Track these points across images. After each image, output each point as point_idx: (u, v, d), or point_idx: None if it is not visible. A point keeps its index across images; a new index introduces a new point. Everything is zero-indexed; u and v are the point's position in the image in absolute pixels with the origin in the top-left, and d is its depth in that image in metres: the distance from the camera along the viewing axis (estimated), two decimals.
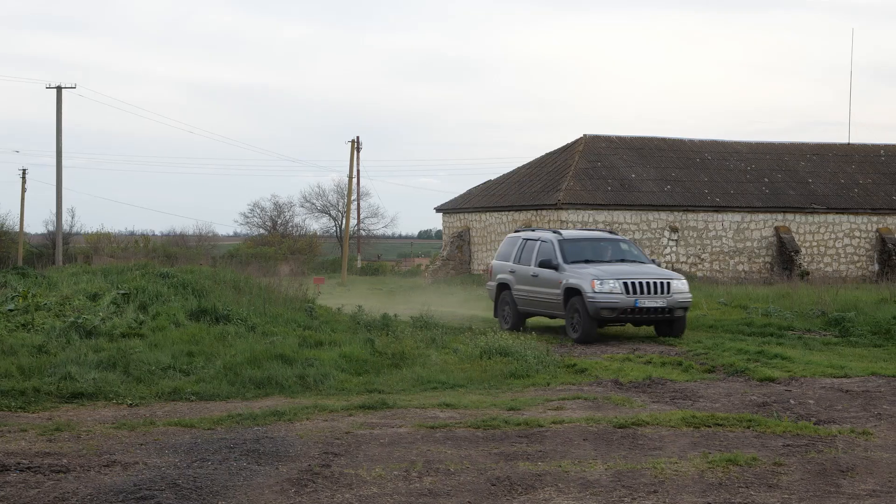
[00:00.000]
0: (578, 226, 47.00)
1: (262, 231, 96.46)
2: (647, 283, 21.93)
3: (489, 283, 26.25)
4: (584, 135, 51.52)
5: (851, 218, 50.11)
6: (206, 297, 21.20)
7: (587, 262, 23.25)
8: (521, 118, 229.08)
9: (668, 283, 22.09)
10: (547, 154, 52.70)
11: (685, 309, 22.39)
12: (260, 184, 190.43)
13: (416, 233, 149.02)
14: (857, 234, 50.18)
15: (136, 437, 11.86)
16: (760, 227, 49.18)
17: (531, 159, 53.66)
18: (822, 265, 49.28)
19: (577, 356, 20.07)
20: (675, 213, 48.22)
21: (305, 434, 11.90)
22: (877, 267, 49.64)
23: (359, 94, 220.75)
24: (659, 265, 23.91)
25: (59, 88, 61.30)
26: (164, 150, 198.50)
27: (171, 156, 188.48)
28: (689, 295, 22.55)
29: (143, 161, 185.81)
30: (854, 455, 10.86)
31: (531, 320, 25.46)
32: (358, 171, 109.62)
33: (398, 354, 17.37)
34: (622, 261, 23.52)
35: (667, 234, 48.10)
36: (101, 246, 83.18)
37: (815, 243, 49.76)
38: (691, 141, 52.81)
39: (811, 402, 14.21)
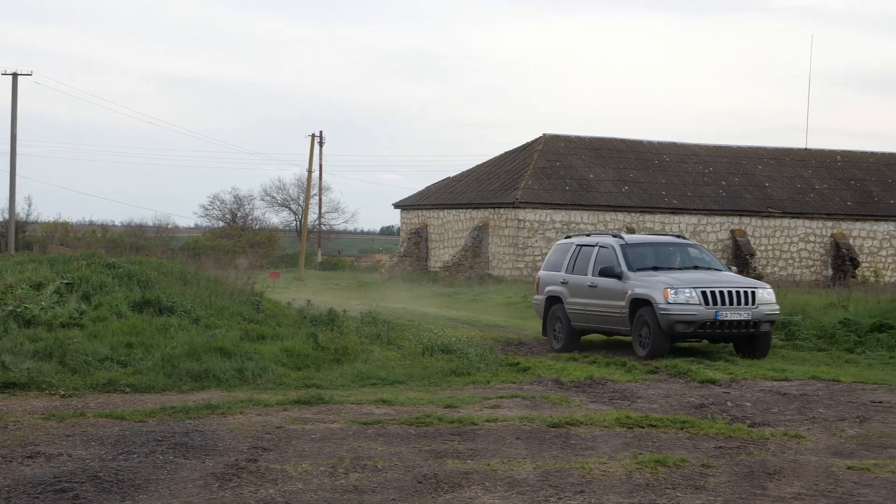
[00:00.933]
0: (537, 225, 47.07)
1: (221, 224, 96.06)
2: (730, 293, 19.24)
3: (536, 297, 22.99)
4: (544, 134, 51.56)
5: (807, 222, 50.43)
6: (151, 288, 20.98)
7: (655, 269, 20.41)
8: (489, 116, 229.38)
9: (753, 293, 19.36)
10: (506, 153, 52.72)
11: (772, 323, 19.71)
12: (221, 176, 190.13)
13: (378, 229, 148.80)
14: (811, 238, 50.50)
15: (64, 429, 11.71)
16: (717, 229, 49.39)
17: (492, 157, 53.66)
18: (776, 269, 49.54)
19: (523, 355, 20.04)
20: (632, 215, 48.34)
21: (236, 428, 11.78)
22: (831, 272, 49.96)
23: (326, 90, 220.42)
24: (738, 272, 21.68)
25: (14, 75, 60.74)
26: (125, 140, 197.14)
27: (132, 146, 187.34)
28: (777, 307, 19.84)
29: (103, 151, 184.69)
30: (783, 458, 10.86)
31: (588, 337, 22.26)
32: (321, 165, 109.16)
33: (341, 350, 17.28)
34: (695, 268, 20.67)
35: (623, 235, 48.16)
36: (57, 235, 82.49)
37: (770, 247, 50.03)
38: (650, 142, 52.97)
39: (748, 404, 14.23)
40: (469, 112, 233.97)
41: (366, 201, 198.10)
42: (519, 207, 46.82)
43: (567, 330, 21.34)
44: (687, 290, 19.03)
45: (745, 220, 49.79)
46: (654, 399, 14.67)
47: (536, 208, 47.17)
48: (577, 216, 47.61)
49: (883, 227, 51.39)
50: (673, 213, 48.74)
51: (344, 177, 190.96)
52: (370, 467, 10.20)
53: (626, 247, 20.86)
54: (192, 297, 21.49)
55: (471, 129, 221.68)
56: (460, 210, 50.61)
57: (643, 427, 12.26)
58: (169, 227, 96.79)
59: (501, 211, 47.94)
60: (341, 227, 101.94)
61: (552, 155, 50.05)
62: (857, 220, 50.70)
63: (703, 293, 19.05)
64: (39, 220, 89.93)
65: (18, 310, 17.88)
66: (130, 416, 12.39)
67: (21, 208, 72.80)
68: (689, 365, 17.89)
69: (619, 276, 20.25)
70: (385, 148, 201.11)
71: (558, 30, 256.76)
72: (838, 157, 54.81)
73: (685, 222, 48.90)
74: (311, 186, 67.62)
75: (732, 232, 49.30)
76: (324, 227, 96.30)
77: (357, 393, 14.41)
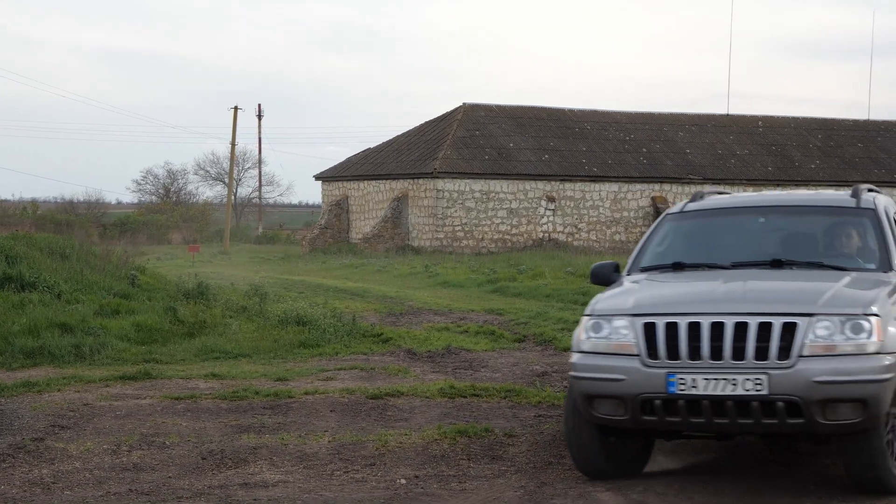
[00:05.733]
0: (456, 195, 46.70)
1: (154, 198, 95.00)
2: (720, 326, 8.06)
3: None
4: (464, 103, 51.19)
5: (728, 188, 50.30)
6: (17, 263, 20.43)
7: (703, 267, 9.46)
8: (428, 87, 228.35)
9: (790, 327, 7.95)
10: (426, 122, 52.30)
11: (855, 403, 7.95)
12: (154, 152, 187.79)
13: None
14: None
15: None
16: (637, 196, 49.30)
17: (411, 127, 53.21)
18: None
19: (401, 325, 19.70)
20: (553, 183, 48.13)
21: (42, 406, 11.36)
22: None
23: (265, 64, 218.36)
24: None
25: None
26: (56, 116, 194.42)
27: (63, 122, 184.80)
28: (867, 372, 7.96)
29: (32, 128, 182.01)
30: None
31: None
32: (259, 139, 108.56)
33: (198, 324, 16.86)
34: (785, 265, 9.26)
35: (544, 203, 48.00)
36: None
37: None
38: (571, 111, 52.72)
39: None
40: (409, 84, 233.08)
41: (308, 174, 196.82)
42: (438, 177, 46.46)
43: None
44: (618, 319, 8.36)
45: (666, 186, 49.70)
46: (499, 368, 14.38)
47: (455, 178, 46.83)
48: (496, 185, 47.33)
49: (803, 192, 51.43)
50: (593, 181, 48.57)
51: (283, 151, 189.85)
52: (157, 444, 9.84)
53: (667, 221, 10.22)
54: (66, 272, 21.00)
55: (413, 101, 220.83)
56: (380, 181, 50.18)
57: (466, 397, 11.96)
58: (100, 202, 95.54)
59: (421, 181, 47.56)
60: (274, 201, 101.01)
61: (472, 124, 49.69)
62: (778, 185, 50.72)
63: (649, 326, 8.19)
64: None
65: None
66: None
67: None
68: (556, 333, 17.61)
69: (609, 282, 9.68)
70: (324, 121, 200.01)
71: (500, 2, 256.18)
72: (760, 123, 54.83)
73: (606, 190, 48.75)
74: (234, 159, 66.78)
75: (653, 199, 49.21)
76: (265, 201, 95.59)
77: (193, 367, 14.02)
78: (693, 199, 10.37)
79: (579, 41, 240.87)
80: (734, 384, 7.93)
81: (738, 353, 7.96)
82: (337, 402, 11.61)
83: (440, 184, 46.55)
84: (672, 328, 8.14)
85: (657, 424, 8.25)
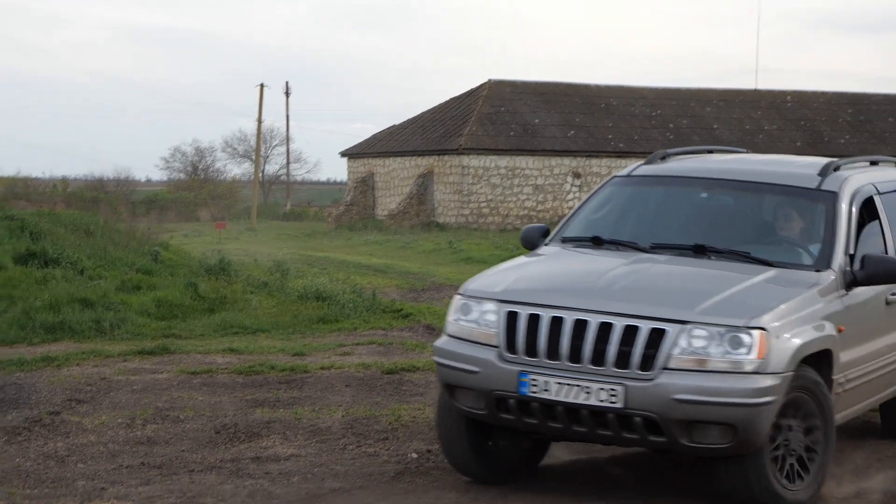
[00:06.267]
0: (482, 171, 46.62)
1: (182, 176, 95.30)
2: (583, 324, 7.21)
3: None
4: (489, 80, 51.09)
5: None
6: (41, 240, 20.56)
7: (621, 246, 8.33)
8: (454, 64, 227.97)
9: (658, 334, 7.05)
10: (451, 99, 52.22)
11: (726, 430, 7.03)
12: (182, 130, 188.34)
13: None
14: None
15: None
16: None
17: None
18: None
19: (422, 301, 19.70)
20: (578, 159, 48.02)
21: (59, 380, 11.43)
22: None
23: (293, 41, 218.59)
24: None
25: None
26: (83, 94, 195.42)
27: (91, 100, 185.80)
28: (738, 394, 6.96)
29: (61, 106, 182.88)
30: None
31: None
32: (287, 116, 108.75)
33: (219, 299, 16.91)
34: (707, 253, 8.06)
35: (569, 179, 47.90)
36: (17, 190, 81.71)
37: None
38: (597, 86, 52.51)
39: None
40: (439, 60, 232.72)
41: (335, 152, 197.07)
42: (463, 154, 46.43)
43: None
44: (487, 303, 7.55)
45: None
46: None
47: (481, 154, 46.79)
48: (522, 161, 47.26)
49: None
50: (619, 156, 48.40)
51: (311, 128, 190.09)
52: (172, 418, 9.90)
53: (610, 185, 9.16)
54: (89, 248, 21.12)
55: (435, 77, 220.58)
56: (406, 157, 50.18)
57: None
58: (129, 180, 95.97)
59: (446, 158, 47.55)
60: (302, 178, 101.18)
61: (497, 101, 49.58)
62: None
63: (512, 316, 7.40)
64: None
65: None
66: None
67: None
68: None
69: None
70: (351, 98, 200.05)
71: None
72: (789, 98, 54.46)
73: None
74: (260, 137, 66.94)
75: None
76: (293, 178, 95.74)
77: (211, 342, 14.07)
78: (648, 162, 9.14)
79: (605, 17, 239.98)
80: (588, 392, 7.02)
81: (599, 357, 7.04)
82: (352, 377, 11.64)
83: (466, 160, 46.52)
84: (534, 321, 7.24)
85: (516, 424, 7.44)
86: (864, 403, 8.57)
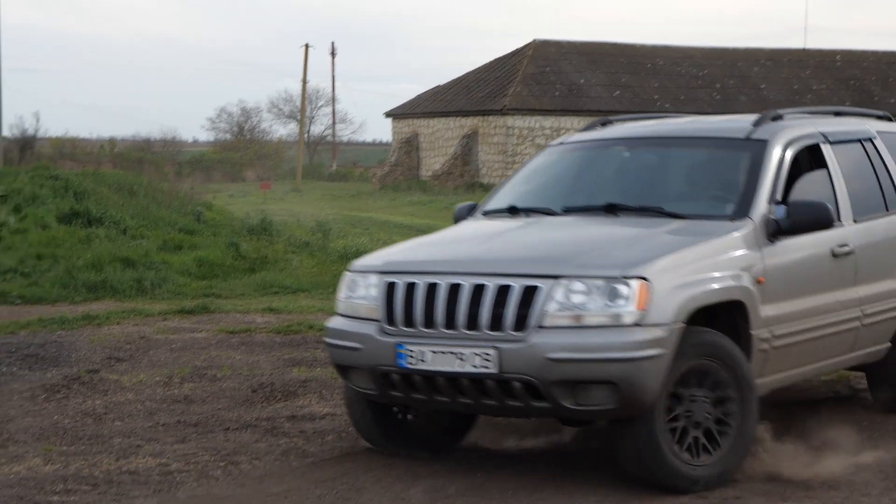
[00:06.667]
0: (526, 131, 46.41)
1: (228, 136, 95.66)
2: (457, 289, 6.78)
3: None
4: (535, 39, 50.78)
5: None
6: (85, 199, 20.72)
7: (535, 213, 7.98)
8: (499, 24, 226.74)
9: (530, 291, 6.58)
10: (496, 59, 51.97)
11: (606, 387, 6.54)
12: (228, 90, 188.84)
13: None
14: None
15: None
16: None
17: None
18: None
19: None
20: None
21: (99, 339, 11.51)
22: None
23: (339, 0, 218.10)
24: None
25: None
26: (130, 54, 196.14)
27: (138, 60, 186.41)
28: (617, 349, 6.45)
29: (108, 66, 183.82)
30: None
31: None
32: (333, 76, 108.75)
33: (260, 259, 16.99)
34: (620, 211, 7.61)
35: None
36: (66, 150, 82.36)
37: None
38: (643, 46, 52.07)
39: None
40: (480, 19, 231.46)
41: (380, 112, 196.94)
42: (508, 114, 46.24)
43: None
44: (371, 277, 7.22)
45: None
46: None
47: (526, 115, 46.58)
48: (567, 122, 46.97)
49: None
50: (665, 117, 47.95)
51: (356, 88, 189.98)
52: (209, 377, 9.93)
53: (543, 154, 8.85)
54: (133, 208, 21.27)
55: (480, 37, 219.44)
56: (450, 118, 50.04)
57: None
58: (175, 140, 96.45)
59: (490, 118, 47.37)
60: (348, 139, 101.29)
61: (542, 60, 49.28)
62: None
63: (391, 287, 7.05)
64: (48, 136, 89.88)
65: None
66: (1, 329, 12.12)
67: (29, 124, 72.69)
68: None
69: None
70: (397, 59, 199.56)
71: None
72: (838, 58, 53.75)
73: None
74: (305, 97, 67.00)
75: None
76: (338, 139, 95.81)
77: (251, 302, 14.13)
78: (587, 128, 8.85)
79: None
80: (462, 359, 6.61)
81: (473, 320, 6.63)
82: None
83: (510, 121, 46.33)
84: (411, 290, 6.89)
85: (407, 401, 7.14)
86: (813, 366, 7.91)
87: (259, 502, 6.72)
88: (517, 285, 6.57)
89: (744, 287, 6.97)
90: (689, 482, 6.65)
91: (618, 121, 8.97)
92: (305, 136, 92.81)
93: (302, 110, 67.65)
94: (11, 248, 16.76)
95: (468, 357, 6.57)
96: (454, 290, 6.71)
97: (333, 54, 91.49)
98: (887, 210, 8.50)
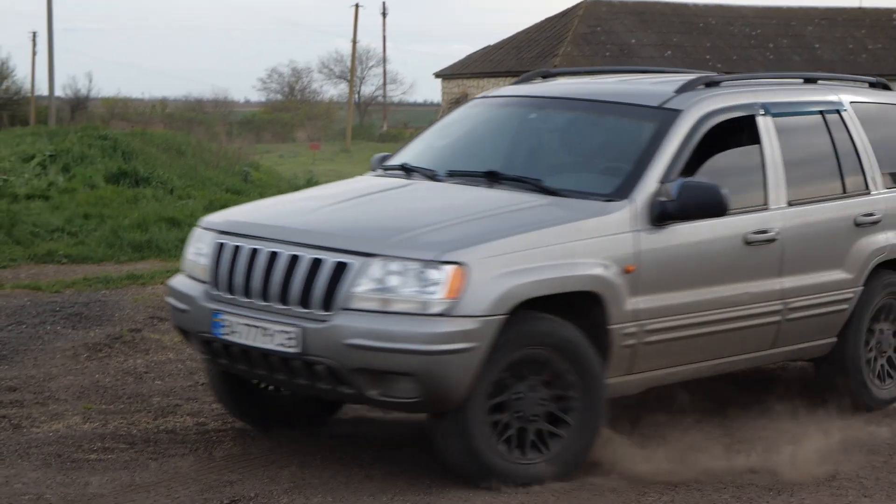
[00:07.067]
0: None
1: (279, 97, 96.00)
2: (273, 258, 6.35)
3: None
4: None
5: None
6: (133, 159, 20.85)
7: (421, 174, 7.42)
8: None
9: (341, 268, 6.11)
10: (546, 19, 51.63)
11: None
12: (279, 51, 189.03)
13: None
14: None
15: None
16: None
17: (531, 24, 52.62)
18: None
19: None
20: None
21: (143, 298, 11.56)
22: None
23: None
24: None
25: None
26: (182, 15, 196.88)
27: (189, 21, 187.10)
28: (417, 340, 5.93)
29: (160, 27, 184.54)
30: None
31: None
32: (384, 37, 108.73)
33: None
34: (501, 181, 6.97)
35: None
36: (117, 110, 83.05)
37: None
38: (695, 5, 51.46)
39: None
40: None
41: (431, 73, 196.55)
42: None
43: None
44: (209, 234, 6.80)
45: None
46: None
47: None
48: None
49: None
50: None
51: (407, 49, 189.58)
52: None
53: (464, 107, 8.29)
54: (180, 168, 21.38)
55: None
56: (500, 78, 49.70)
57: None
58: (228, 101, 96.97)
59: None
60: (399, 100, 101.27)
61: (593, 20, 48.86)
62: None
63: (219, 247, 6.63)
64: (100, 96, 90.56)
65: None
66: (47, 288, 12.19)
67: (82, 84, 73.33)
68: None
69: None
70: (448, 19, 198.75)
71: None
72: (894, 16, 52.84)
73: None
74: (355, 57, 66.98)
75: None
76: (389, 99, 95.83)
77: None
78: (520, 81, 8.33)
79: None
80: (268, 335, 6.18)
81: (285, 294, 6.16)
82: None
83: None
84: (236, 253, 6.44)
85: (235, 371, 6.70)
86: (711, 363, 7.18)
87: (296, 461, 6.73)
88: (329, 260, 6.05)
89: (597, 276, 6.28)
90: (511, 480, 6.12)
91: (560, 74, 8.40)
92: (356, 96, 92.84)
93: (352, 71, 67.62)
94: (59, 208, 16.89)
95: (274, 334, 6.12)
96: (273, 258, 6.24)
97: (384, 14, 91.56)
98: (844, 192, 7.82)
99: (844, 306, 7.72)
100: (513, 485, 6.11)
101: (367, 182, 7.49)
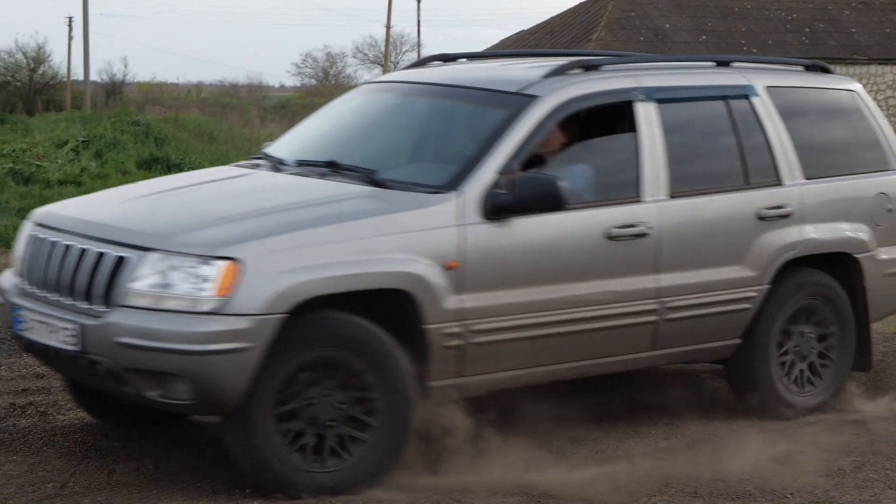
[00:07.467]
0: None
1: (313, 82, 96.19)
2: (68, 252, 6.11)
3: None
4: None
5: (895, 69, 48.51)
6: (165, 145, 20.96)
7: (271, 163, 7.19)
8: None
9: (118, 262, 5.85)
10: (580, 3, 51.41)
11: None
12: (313, 36, 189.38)
13: None
14: None
15: None
16: None
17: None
18: None
19: None
20: None
21: None
22: None
23: None
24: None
25: None
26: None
27: (223, 5, 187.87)
28: (181, 339, 5.64)
29: (194, 11, 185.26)
30: None
31: None
32: (418, 21, 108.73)
33: None
34: (341, 171, 6.68)
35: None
36: (153, 95, 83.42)
37: None
38: None
39: None
40: None
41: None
42: None
43: None
44: (27, 225, 6.75)
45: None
46: None
47: None
48: None
49: None
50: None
51: (442, 34, 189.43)
52: None
53: (351, 93, 8.09)
54: (212, 153, 21.47)
55: None
56: None
57: None
58: (263, 85, 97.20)
59: None
60: None
61: (627, 5, 48.62)
62: None
63: (31, 239, 6.46)
64: (136, 81, 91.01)
65: (17, 168, 17.97)
66: None
67: (117, 69, 73.68)
68: None
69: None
70: (485, 4, 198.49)
71: None
72: None
73: None
74: (389, 42, 67.05)
75: None
76: None
77: None
78: (415, 64, 8.07)
79: None
80: (53, 331, 5.93)
81: (72, 289, 5.91)
82: None
83: None
84: (39, 245, 6.22)
85: (53, 369, 6.55)
86: (568, 365, 6.69)
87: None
88: (111, 254, 5.81)
89: (406, 273, 5.91)
90: (304, 489, 5.79)
91: (460, 58, 7.93)
92: None
93: (385, 55, 67.67)
94: (90, 193, 16.99)
95: (58, 330, 5.87)
96: (66, 251, 6.00)
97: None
98: (747, 183, 7.23)
99: (746, 306, 7.15)
100: (308, 494, 5.78)
101: (209, 172, 7.36)
